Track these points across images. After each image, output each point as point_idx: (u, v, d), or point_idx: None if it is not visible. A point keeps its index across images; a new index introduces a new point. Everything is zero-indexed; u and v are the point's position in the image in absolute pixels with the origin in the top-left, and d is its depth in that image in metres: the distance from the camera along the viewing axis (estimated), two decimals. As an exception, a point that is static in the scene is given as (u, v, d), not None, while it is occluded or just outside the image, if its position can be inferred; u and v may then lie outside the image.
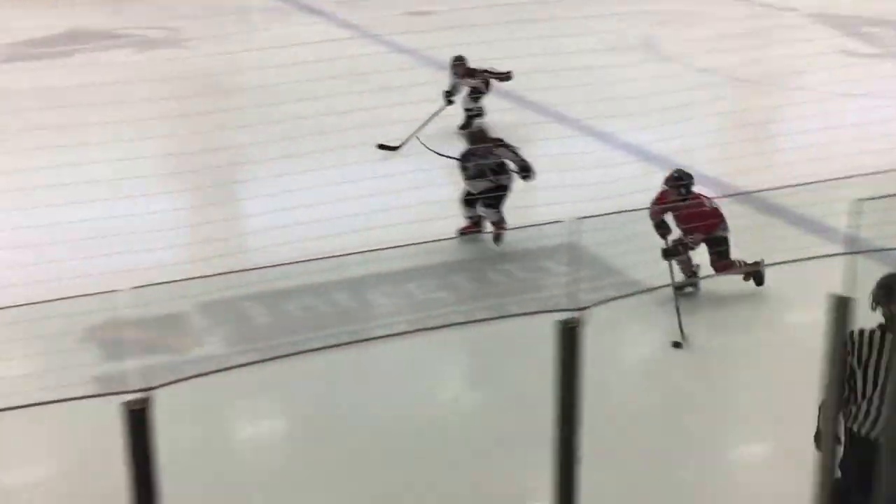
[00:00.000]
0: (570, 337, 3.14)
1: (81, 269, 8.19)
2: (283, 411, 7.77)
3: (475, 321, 8.06)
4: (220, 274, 8.35)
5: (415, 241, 8.78)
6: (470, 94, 13.21)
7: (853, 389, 5.26)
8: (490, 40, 14.63)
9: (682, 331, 8.13)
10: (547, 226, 8.42)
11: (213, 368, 7.66)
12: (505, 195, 9.95)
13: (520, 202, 9.93)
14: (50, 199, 9.88)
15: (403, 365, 7.99)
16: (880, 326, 5.23)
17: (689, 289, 8.94)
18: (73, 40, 18.76)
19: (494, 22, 16.80)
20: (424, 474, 6.73)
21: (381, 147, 12.31)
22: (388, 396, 7.63)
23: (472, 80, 13.18)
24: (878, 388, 5.18)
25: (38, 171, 10.15)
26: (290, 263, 8.83)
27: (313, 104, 12.50)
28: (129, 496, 3.34)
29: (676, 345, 8.06)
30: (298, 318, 8.76)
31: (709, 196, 8.89)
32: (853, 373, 5.23)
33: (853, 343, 5.20)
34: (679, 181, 8.71)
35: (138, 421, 3.28)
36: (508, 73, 13.26)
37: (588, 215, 5.45)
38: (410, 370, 7.98)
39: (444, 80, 13.36)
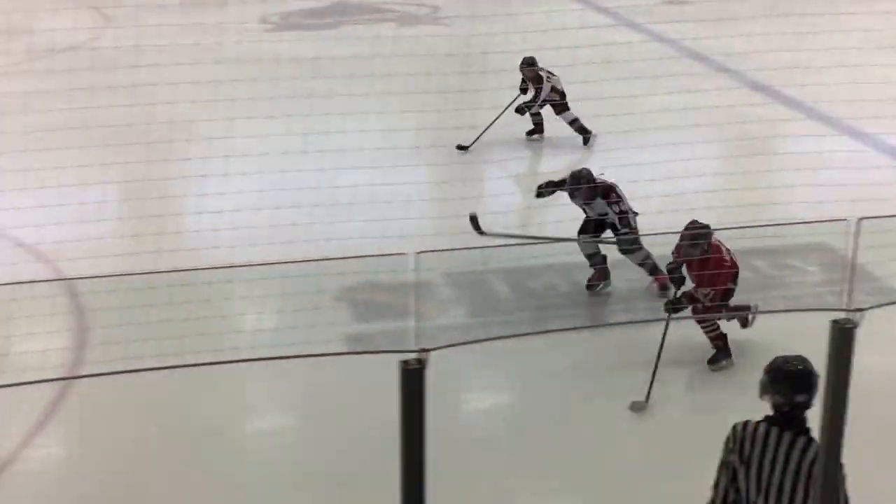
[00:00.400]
0: (844, 338, 3.13)
1: (333, 232, 8.59)
2: (515, 385, 7.95)
3: (718, 315, 7.98)
4: (479, 248, 8.64)
5: (666, 230, 8.76)
6: (533, 99, 12.80)
7: (738, 490, 4.61)
8: (748, 33, 14.36)
9: (649, 392, 7.35)
10: (801, 225, 8.28)
11: (456, 339, 7.92)
12: (630, 240, 8.84)
13: (772, 199, 9.79)
14: (312, 164, 10.37)
15: (646, 353, 8.00)
16: (767, 419, 4.55)
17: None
18: (340, 13, 19.54)
19: (753, 14, 16.43)
20: (653, 464, 6.79)
21: (460, 148, 12.26)
22: (632, 382, 7.66)
23: (537, 87, 12.68)
24: (763, 491, 4.51)
25: (302, 136, 10.64)
26: (533, 243, 9.01)
27: (567, 89, 12.61)
28: (401, 451, 3.55)
29: (635, 406, 7.30)
30: (542, 296, 8.93)
31: (728, 248, 7.89)
32: (736, 472, 4.59)
33: (736, 438, 4.58)
34: (692, 238, 7.67)
35: (414, 380, 3.47)
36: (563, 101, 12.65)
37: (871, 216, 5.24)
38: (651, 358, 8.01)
39: (701, 71, 13.18)
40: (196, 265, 8.30)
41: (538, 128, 12.99)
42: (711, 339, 7.87)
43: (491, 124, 12.26)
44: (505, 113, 12.46)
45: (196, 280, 7.64)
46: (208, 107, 10.56)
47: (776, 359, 4.62)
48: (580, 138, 12.70)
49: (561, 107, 12.72)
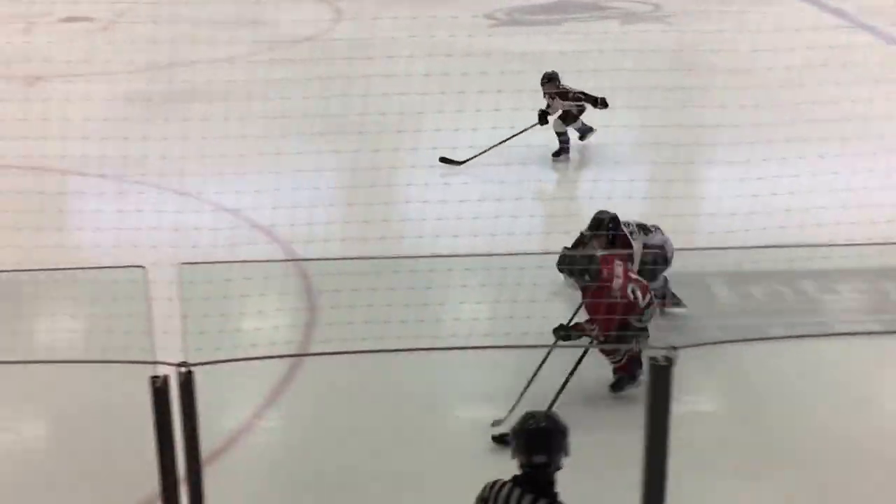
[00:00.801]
0: None
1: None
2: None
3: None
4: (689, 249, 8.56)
5: (884, 241, 8.52)
6: (560, 117, 12.11)
7: None
8: None
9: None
10: None
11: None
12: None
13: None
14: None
15: (871, 365, 7.81)
16: (514, 479, 4.33)
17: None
18: (563, 10, 19.72)
19: None
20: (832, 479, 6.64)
21: (443, 160, 11.53)
22: (837, 395, 7.49)
23: (564, 102, 12.00)
24: None
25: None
26: (757, 247, 8.84)
27: (790, 91, 12.28)
28: (646, 443, 3.61)
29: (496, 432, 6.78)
30: (763, 302, 8.77)
31: (632, 276, 7.29)
32: None
33: (483, 497, 4.37)
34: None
35: (662, 376, 3.52)
36: (603, 99, 11.90)
37: None
38: (879, 373, 7.79)
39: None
40: (422, 252, 8.52)
41: (585, 134, 12.43)
42: (615, 370, 7.34)
43: (494, 147, 11.73)
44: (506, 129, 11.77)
45: (425, 267, 7.83)
46: (436, 99, 10.79)
47: (525, 414, 4.49)
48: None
49: (572, 119, 12.17)
